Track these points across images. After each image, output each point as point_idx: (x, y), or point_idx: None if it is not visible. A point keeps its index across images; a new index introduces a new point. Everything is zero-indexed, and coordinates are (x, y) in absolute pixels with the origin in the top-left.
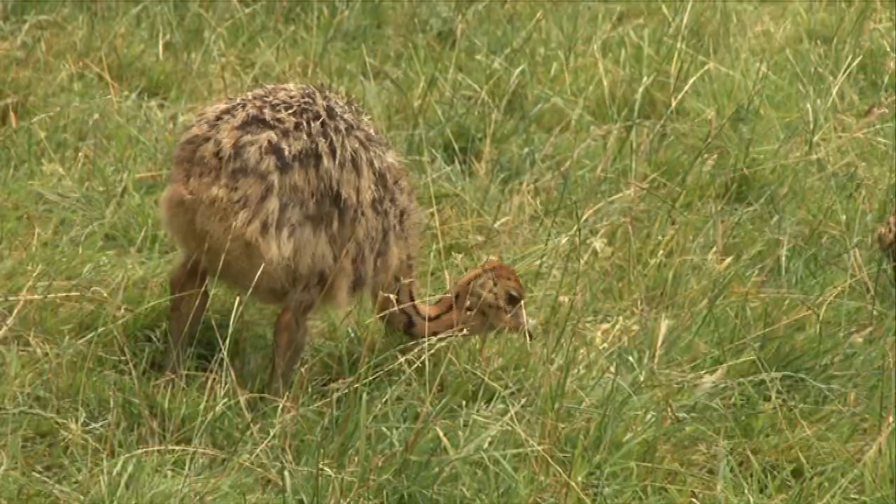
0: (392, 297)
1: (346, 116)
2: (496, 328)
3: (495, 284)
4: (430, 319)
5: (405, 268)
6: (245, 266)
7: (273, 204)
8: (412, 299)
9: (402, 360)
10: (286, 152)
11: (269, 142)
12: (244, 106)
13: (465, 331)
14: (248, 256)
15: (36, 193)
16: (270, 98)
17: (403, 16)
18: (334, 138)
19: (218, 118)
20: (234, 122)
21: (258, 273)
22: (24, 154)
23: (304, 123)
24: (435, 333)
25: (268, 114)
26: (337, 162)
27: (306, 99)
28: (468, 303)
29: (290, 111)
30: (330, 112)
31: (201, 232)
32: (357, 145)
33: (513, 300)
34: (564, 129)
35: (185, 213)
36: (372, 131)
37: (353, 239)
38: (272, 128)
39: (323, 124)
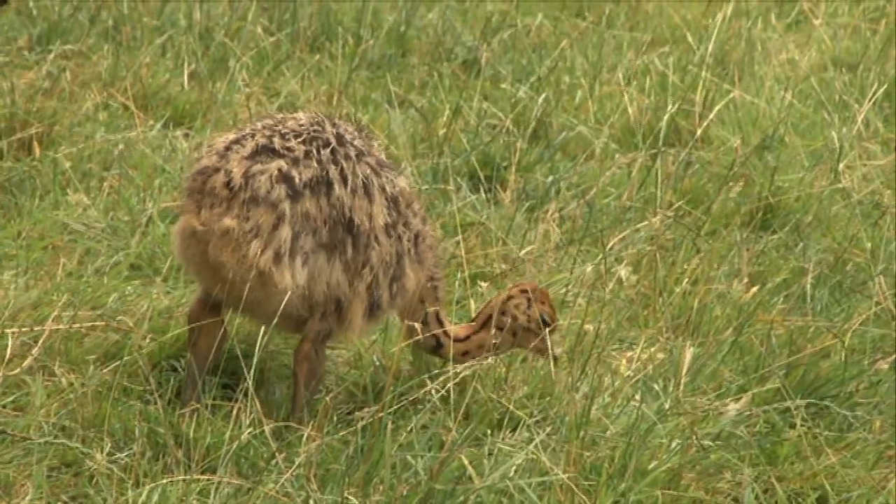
0: (417, 325)
1: (356, 143)
2: (522, 348)
3: (529, 307)
4: (459, 340)
5: (429, 290)
6: (260, 295)
7: (285, 232)
8: (440, 321)
9: (427, 388)
10: (297, 180)
11: (280, 170)
12: (253, 135)
13: (491, 352)
14: (263, 285)
15: (61, 223)
16: (280, 127)
17: (428, 44)
18: (345, 165)
19: (227, 148)
20: (244, 153)
21: (274, 303)
22: (49, 184)
23: (315, 151)
24: (465, 353)
25: (277, 143)
26: (349, 189)
27: (316, 127)
28: (499, 322)
29: (300, 139)
30: (340, 139)
31: (215, 263)
32: (368, 171)
33: (545, 324)
34: (589, 158)
35: (198, 245)
36: (383, 156)
37: (367, 264)
38: (282, 156)
39: (333, 151)
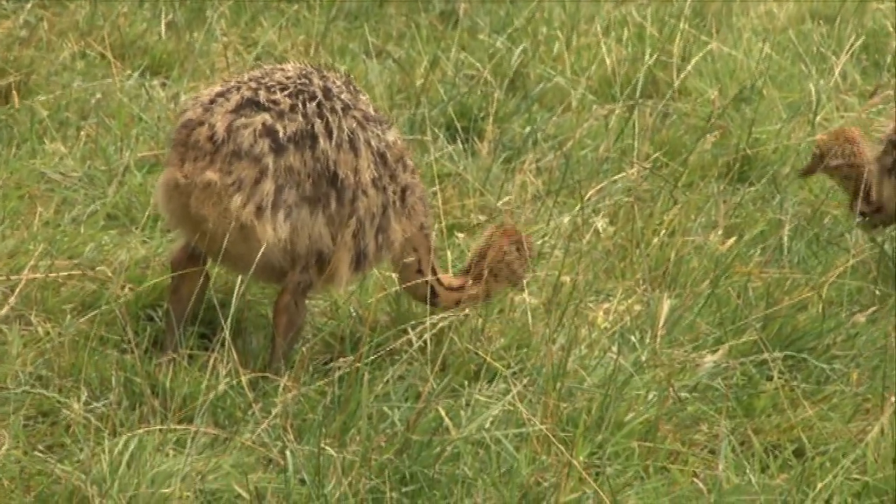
0: (411, 262)
1: (343, 96)
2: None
3: (520, 256)
4: (453, 289)
5: (422, 238)
6: (242, 249)
7: (268, 186)
8: (433, 270)
9: (404, 339)
10: (281, 134)
11: (264, 124)
12: (239, 88)
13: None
14: (245, 239)
15: (38, 172)
16: (266, 80)
17: None
18: (330, 119)
19: (212, 101)
20: (228, 106)
21: (256, 256)
22: (26, 133)
23: (300, 105)
24: (458, 302)
25: (263, 96)
26: (333, 143)
27: (303, 80)
28: (497, 275)
29: (286, 92)
30: (326, 92)
31: (196, 216)
32: (354, 125)
33: (532, 261)
34: (567, 109)
35: (180, 197)
36: (371, 110)
37: (353, 215)
38: (267, 110)
39: (319, 105)
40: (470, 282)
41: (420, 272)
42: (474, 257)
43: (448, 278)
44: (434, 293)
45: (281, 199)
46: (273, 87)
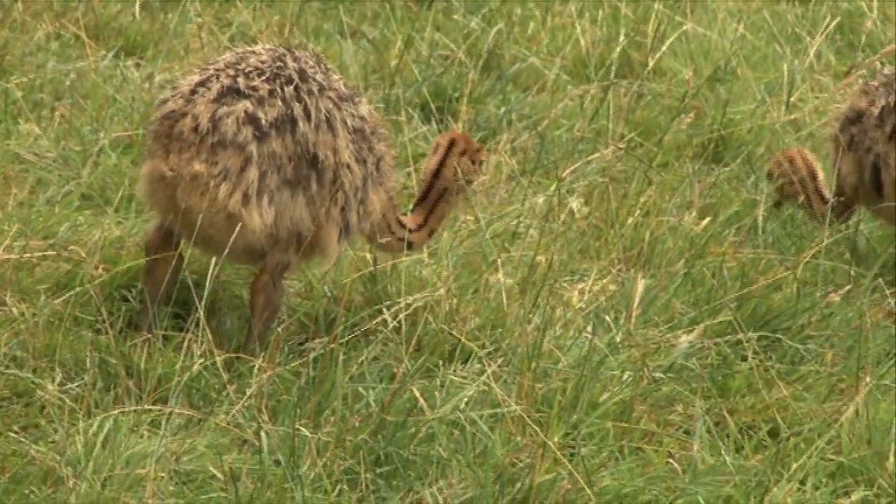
0: (387, 238)
1: (317, 77)
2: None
3: (473, 161)
4: (421, 227)
5: (387, 202)
6: (228, 237)
7: (253, 174)
8: (400, 223)
9: (378, 319)
10: (263, 121)
11: (246, 112)
12: (217, 77)
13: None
14: (231, 227)
15: (12, 153)
16: (242, 65)
17: None
18: (308, 101)
19: (193, 91)
20: (210, 96)
21: (241, 242)
22: (0, 114)
23: (279, 89)
24: (431, 233)
25: (242, 83)
26: (312, 125)
27: (278, 63)
28: (458, 190)
29: (264, 77)
30: (302, 75)
31: (184, 207)
32: (331, 106)
33: (482, 163)
34: (541, 89)
35: (166, 189)
36: (343, 87)
37: (340, 190)
38: (247, 97)
39: (296, 88)
40: (431, 209)
41: (392, 233)
42: (428, 179)
43: (411, 219)
44: (409, 243)
45: (264, 184)
46: (251, 72)
